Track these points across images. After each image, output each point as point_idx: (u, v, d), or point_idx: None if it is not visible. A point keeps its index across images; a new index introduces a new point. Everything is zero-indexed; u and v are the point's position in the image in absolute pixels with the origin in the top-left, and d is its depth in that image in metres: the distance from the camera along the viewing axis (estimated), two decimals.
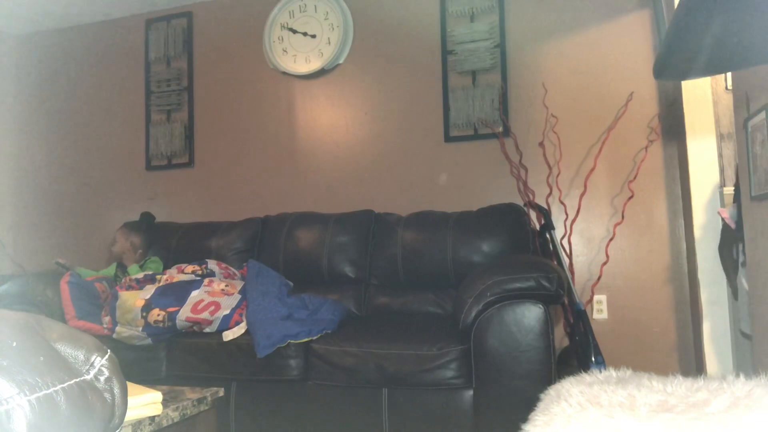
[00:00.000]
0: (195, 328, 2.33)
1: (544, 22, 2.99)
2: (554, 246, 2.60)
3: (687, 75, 0.87)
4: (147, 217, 3.15)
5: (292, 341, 2.14)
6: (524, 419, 0.91)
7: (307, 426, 2.12)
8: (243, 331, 2.28)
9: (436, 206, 2.87)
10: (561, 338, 2.70)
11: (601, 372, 1.04)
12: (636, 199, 2.77)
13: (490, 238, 2.57)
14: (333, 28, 3.27)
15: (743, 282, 2.23)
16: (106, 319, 2.38)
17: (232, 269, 2.74)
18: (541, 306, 1.92)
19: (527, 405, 0.98)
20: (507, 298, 1.93)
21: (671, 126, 2.76)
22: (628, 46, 2.85)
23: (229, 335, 2.26)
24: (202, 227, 3.09)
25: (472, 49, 3.04)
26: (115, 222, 3.48)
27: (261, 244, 2.95)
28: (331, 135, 3.33)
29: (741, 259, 2.25)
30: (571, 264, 2.72)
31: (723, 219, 2.34)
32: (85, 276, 2.66)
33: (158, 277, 2.50)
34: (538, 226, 2.74)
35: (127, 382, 0.76)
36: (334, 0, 3.26)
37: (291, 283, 2.69)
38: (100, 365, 0.69)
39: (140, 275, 2.54)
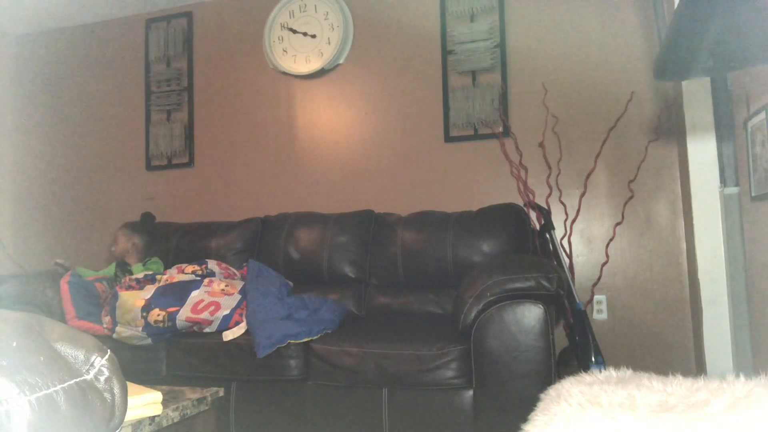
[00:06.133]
0: (195, 328, 2.32)
1: (544, 22, 2.99)
2: (554, 246, 2.59)
3: (687, 75, 0.87)
4: (147, 218, 3.15)
5: (292, 341, 2.14)
6: (524, 419, 0.91)
7: (307, 426, 2.12)
8: (243, 331, 2.28)
9: (436, 206, 2.87)
10: (561, 338, 2.70)
11: (601, 372, 1.04)
12: (636, 199, 2.77)
13: (490, 238, 2.57)
14: (333, 28, 3.27)
15: None
16: (106, 319, 2.38)
17: (232, 269, 2.74)
18: (541, 306, 1.91)
19: (527, 405, 0.98)
20: (507, 298, 1.93)
21: (671, 126, 2.75)
22: (628, 46, 2.85)
23: (229, 335, 2.26)
24: (202, 227, 3.09)
25: (472, 49, 3.04)
26: (115, 222, 3.47)
27: (261, 244, 2.95)
28: (331, 135, 3.33)
29: None
30: (571, 264, 2.72)
31: None
32: (85, 276, 2.66)
33: (158, 277, 2.50)
34: (538, 226, 2.73)
35: (127, 382, 0.76)
36: (334, 0, 3.26)
37: (291, 284, 2.69)
38: (100, 365, 0.69)
39: (140, 275, 2.54)
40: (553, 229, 2.61)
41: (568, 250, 2.74)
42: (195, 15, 3.64)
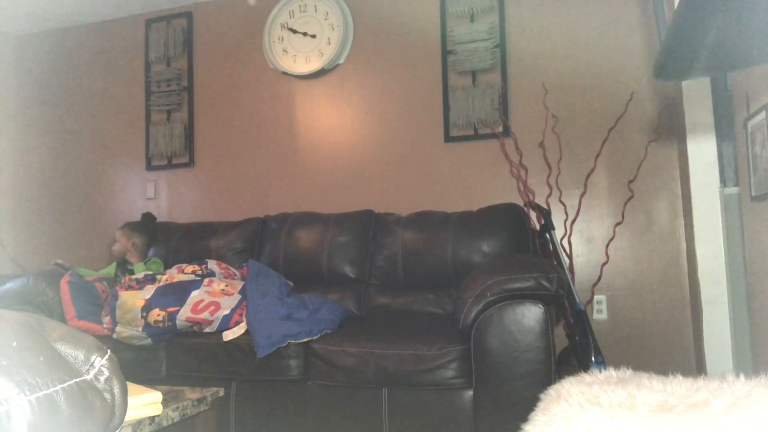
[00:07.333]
0: (195, 328, 2.32)
1: (544, 22, 2.99)
2: (554, 246, 2.59)
3: (687, 75, 0.87)
4: (148, 218, 3.15)
5: (292, 341, 2.14)
6: (524, 419, 0.91)
7: (307, 426, 2.12)
8: (243, 331, 2.28)
9: (436, 206, 2.87)
10: (561, 338, 2.69)
11: (601, 372, 1.04)
12: (636, 199, 2.77)
13: (490, 238, 2.57)
14: (333, 28, 3.27)
15: None
16: (106, 319, 2.38)
17: (232, 269, 2.74)
18: (541, 306, 1.91)
19: (527, 405, 0.98)
20: (507, 298, 1.93)
21: (671, 126, 2.75)
22: (628, 46, 2.85)
23: (229, 335, 2.26)
24: (202, 227, 3.09)
25: (472, 49, 3.04)
26: (115, 222, 3.48)
27: (261, 244, 2.95)
28: (331, 135, 3.33)
29: None
30: (571, 264, 2.72)
31: None
32: (85, 276, 2.66)
33: (158, 277, 2.50)
34: (538, 226, 2.73)
35: (127, 382, 0.76)
36: (334, 0, 3.26)
37: (291, 284, 2.69)
38: (100, 365, 0.69)
39: (140, 275, 2.54)
40: (553, 229, 2.61)
41: (568, 250, 2.74)
42: (195, 15, 3.63)
